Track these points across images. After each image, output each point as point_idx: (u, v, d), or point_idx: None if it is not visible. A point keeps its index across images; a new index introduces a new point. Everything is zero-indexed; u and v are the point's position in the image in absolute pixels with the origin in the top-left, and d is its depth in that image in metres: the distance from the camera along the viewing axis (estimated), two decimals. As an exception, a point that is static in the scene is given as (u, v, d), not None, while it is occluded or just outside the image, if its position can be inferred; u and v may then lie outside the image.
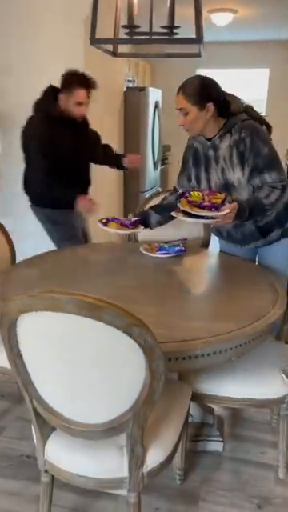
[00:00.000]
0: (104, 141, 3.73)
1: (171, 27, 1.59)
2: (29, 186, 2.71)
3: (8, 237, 2.28)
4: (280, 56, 6.50)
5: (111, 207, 4.26)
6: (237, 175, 1.96)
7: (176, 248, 2.14)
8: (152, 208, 2.29)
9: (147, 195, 4.72)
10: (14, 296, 1.13)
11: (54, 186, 2.54)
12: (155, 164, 4.96)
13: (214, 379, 1.71)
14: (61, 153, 2.52)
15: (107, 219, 2.15)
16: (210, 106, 1.86)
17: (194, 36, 1.56)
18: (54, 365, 1.21)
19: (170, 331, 1.43)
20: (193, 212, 1.83)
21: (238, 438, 2.07)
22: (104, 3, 2.94)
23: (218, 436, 2.00)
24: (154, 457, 1.35)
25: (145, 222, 2.22)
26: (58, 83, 3.04)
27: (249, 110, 1.97)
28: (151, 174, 4.83)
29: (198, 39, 1.53)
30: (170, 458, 1.42)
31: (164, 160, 5.97)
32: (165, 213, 2.17)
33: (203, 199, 1.85)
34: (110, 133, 4.01)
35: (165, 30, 1.60)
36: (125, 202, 4.67)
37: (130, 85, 4.90)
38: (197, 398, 1.72)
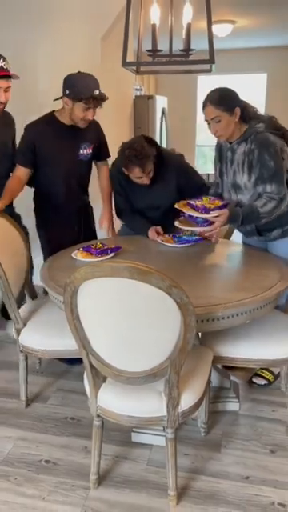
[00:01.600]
0: (115, 145, 4.09)
1: (188, 50, 1.92)
2: None
3: (21, 230, 2.50)
4: (277, 61, 6.85)
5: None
6: (244, 179, 2.25)
7: (194, 237, 2.46)
8: None
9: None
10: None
11: None
12: (163, 166, 5.29)
13: (232, 344, 2.03)
14: None
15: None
16: (238, 110, 2.13)
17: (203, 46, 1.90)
18: (106, 323, 1.53)
19: (196, 300, 1.73)
20: (186, 212, 2.16)
21: (252, 400, 2.37)
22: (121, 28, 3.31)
23: (235, 397, 2.31)
24: (186, 400, 1.67)
25: None
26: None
27: (270, 122, 2.20)
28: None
29: (211, 60, 1.85)
30: (198, 404, 1.74)
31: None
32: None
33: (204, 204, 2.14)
34: (121, 137, 4.34)
35: (182, 52, 1.92)
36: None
37: (138, 93, 5.25)
38: (217, 360, 2.04)
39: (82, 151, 2.62)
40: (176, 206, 2.27)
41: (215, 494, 1.80)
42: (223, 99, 2.11)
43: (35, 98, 3.72)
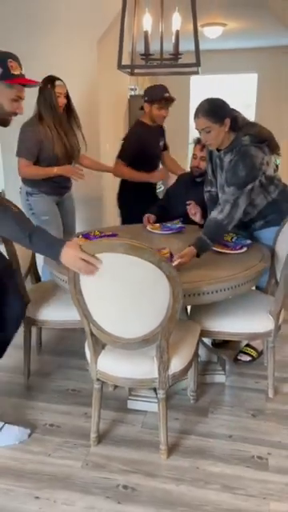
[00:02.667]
0: (112, 143, 4.32)
1: (177, 54, 2.13)
2: None
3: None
4: (267, 61, 7.08)
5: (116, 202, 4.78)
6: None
7: (177, 226, 2.68)
8: None
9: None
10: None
11: None
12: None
13: (217, 318, 2.25)
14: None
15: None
16: (227, 121, 2.23)
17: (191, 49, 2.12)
18: (105, 295, 1.75)
19: (184, 277, 1.97)
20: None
21: (237, 373, 2.60)
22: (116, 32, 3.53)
23: (221, 370, 2.53)
24: (175, 364, 1.89)
25: None
26: (75, 98, 3.64)
27: (257, 133, 2.27)
28: (154, 172, 5.37)
29: (198, 63, 2.07)
30: (186, 369, 1.96)
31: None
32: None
33: None
34: (117, 135, 4.56)
35: (172, 56, 2.14)
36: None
37: (132, 93, 5.45)
38: (205, 334, 2.26)
39: (160, 143, 3.44)
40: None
41: (202, 450, 2.02)
42: (214, 111, 2.21)
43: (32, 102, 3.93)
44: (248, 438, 2.09)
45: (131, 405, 2.30)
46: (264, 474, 1.88)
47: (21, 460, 1.98)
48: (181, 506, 1.73)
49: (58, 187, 3.08)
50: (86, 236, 2.54)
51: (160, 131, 3.42)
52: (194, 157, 2.91)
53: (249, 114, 7.27)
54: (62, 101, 2.93)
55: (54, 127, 2.89)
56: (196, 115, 2.26)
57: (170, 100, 3.15)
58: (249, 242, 2.39)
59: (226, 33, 5.68)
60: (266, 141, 2.29)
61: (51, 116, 2.88)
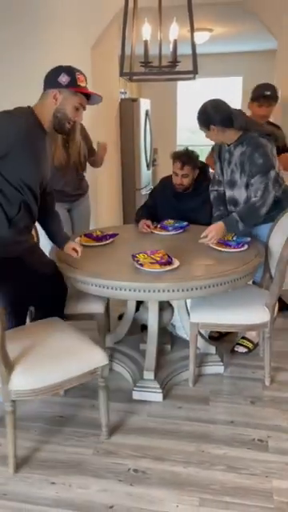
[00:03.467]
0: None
1: (174, 62, 2.25)
2: None
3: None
4: (252, 65, 7.25)
5: (111, 202, 4.90)
6: (238, 177, 2.58)
7: (184, 223, 2.80)
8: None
9: (143, 192, 5.40)
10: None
11: None
12: (148, 165, 5.64)
13: (217, 311, 2.38)
14: None
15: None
16: (213, 127, 2.45)
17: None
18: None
19: (189, 272, 2.09)
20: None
21: (234, 364, 2.73)
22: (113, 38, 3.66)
23: (220, 361, 2.66)
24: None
25: None
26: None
27: (262, 129, 2.52)
28: (145, 173, 5.50)
29: (195, 71, 2.20)
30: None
31: (153, 162, 6.63)
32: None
33: (150, 256, 2.18)
34: (109, 138, 4.67)
35: (170, 64, 2.26)
36: (123, 198, 5.31)
37: (123, 96, 5.57)
38: (205, 326, 2.38)
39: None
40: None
41: (206, 434, 2.14)
42: (200, 119, 2.49)
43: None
44: (248, 423, 2.22)
45: (136, 395, 2.40)
46: (265, 454, 2.01)
47: (34, 450, 2.07)
48: (190, 486, 1.84)
49: (65, 195, 3.00)
50: (89, 236, 2.64)
51: None
52: (175, 174, 2.88)
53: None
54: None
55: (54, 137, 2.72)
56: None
57: (271, 98, 2.96)
58: (249, 239, 2.51)
59: (213, 38, 5.84)
60: (271, 134, 2.54)
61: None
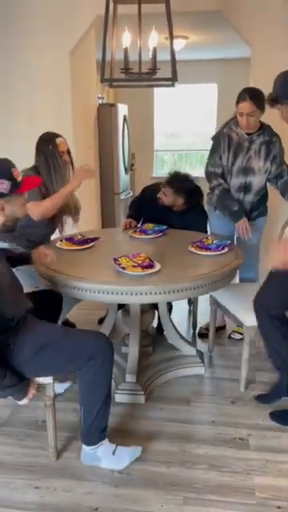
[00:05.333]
0: (83, 150, 4.43)
1: (154, 69, 2.30)
2: None
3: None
4: (226, 72, 7.40)
5: (90, 207, 4.90)
6: (259, 164, 2.75)
7: (163, 227, 2.83)
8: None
9: (122, 197, 5.42)
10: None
11: None
12: (126, 169, 5.67)
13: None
14: None
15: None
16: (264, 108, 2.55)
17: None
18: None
19: (170, 275, 2.13)
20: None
21: (215, 366, 2.78)
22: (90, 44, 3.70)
23: (201, 363, 2.70)
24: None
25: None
26: (48, 107, 3.78)
27: None
28: (123, 177, 5.53)
29: (174, 78, 2.25)
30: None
31: (131, 166, 6.67)
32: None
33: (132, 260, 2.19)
34: (87, 142, 4.69)
35: (150, 71, 2.30)
36: (101, 202, 5.32)
37: (100, 101, 5.60)
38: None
39: None
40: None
41: (188, 435, 2.18)
42: (259, 98, 2.49)
43: (5, 113, 4.00)
44: (229, 422, 2.26)
45: (118, 398, 2.42)
46: (246, 452, 2.06)
47: (16, 455, 2.06)
48: (173, 486, 1.87)
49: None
50: (70, 240, 2.65)
51: None
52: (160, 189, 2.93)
53: (210, 120, 7.60)
54: (65, 159, 2.69)
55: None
56: (243, 99, 2.56)
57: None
58: (229, 242, 2.56)
59: (189, 45, 5.93)
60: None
61: (51, 179, 2.62)
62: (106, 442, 1.95)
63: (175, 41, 5.58)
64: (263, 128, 2.73)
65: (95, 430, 1.91)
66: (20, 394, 1.81)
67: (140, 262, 2.17)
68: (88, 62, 4.55)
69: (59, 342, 1.86)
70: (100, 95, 5.71)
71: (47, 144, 2.63)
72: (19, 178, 1.72)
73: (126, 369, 2.48)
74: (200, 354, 2.78)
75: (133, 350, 2.52)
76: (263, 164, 2.75)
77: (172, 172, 2.96)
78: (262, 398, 2.40)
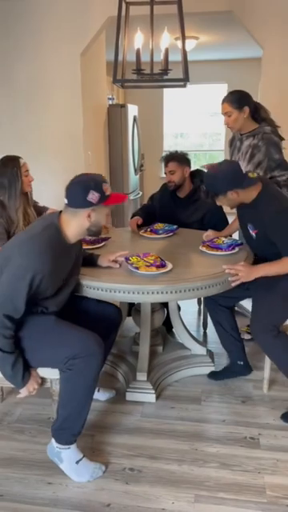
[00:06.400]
0: (93, 150, 4.45)
1: (166, 69, 2.31)
2: None
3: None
4: (236, 72, 7.39)
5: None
6: (243, 166, 2.71)
7: (174, 227, 2.84)
8: None
9: (131, 197, 5.45)
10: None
11: None
12: (135, 170, 5.69)
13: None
14: None
15: None
16: (246, 109, 2.63)
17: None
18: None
19: (182, 275, 2.14)
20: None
21: (225, 364, 2.78)
22: (101, 45, 3.72)
23: (211, 362, 2.71)
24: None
25: None
26: (59, 108, 3.80)
27: (275, 129, 2.71)
28: (133, 178, 5.55)
29: (186, 79, 2.26)
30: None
31: (141, 167, 6.69)
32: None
33: (143, 259, 2.21)
34: (97, 144, 4.72)
35: (162, 71, 2.32)
36: (111, 203, 5.34)
37: (111, 102, 5.62)
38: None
39: None
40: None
41: (199, 433, 2.19)
42: (237, 99, 2.65)
43: (17, 114, 4.04)
44: (239, 422, 2.27)
45: (129, 397, 2.44)
46: (257, 451, 2.06)
47: (29, 451, 2.09)
48: (184, 483, 1.88)
49: None
50: (82, 239, 2.66)
51: None
52: (165, 174, 3.01)
53: (217, 121, 7.59)
54: (29, 178, 2.60)
55: (21, 210, 2.56)
56: (222, 101, 2.72)
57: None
58: (240, 242, 2.57)
59: (199, 45, 5.94)
60: (281, 138, 2.72)
61: (15, 199, 2.52)
62: (73, 447, 1.91)
63: (186, 41, 5.60)
64: (256, 130, 2.68)
65: (66, 430, 1.88)
66: (20, 383, 1.85)
67: (152, 261, 2.18)
68: (98, 63, 4.58)
69: (44, 333, 1.87)
70: (110, 96, 5.74)
71: (7, 164, 2.54)
72: (107, 192, 1.86)
73: (137, 367, 2.50)
74: (210, 353, 2.79)
75: (143, 349, 2.54)
76: (245, 167, 2.69)
77: (164, 154, 3.04)
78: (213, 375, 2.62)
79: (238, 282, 2.17)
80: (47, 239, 1.80)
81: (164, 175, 3.09)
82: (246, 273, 2.16)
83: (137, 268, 2.13)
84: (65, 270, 1.94)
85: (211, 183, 2.24)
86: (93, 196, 1.80)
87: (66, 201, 1.87)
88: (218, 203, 2.30)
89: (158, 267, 2.13)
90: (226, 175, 2.19)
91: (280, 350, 2.19)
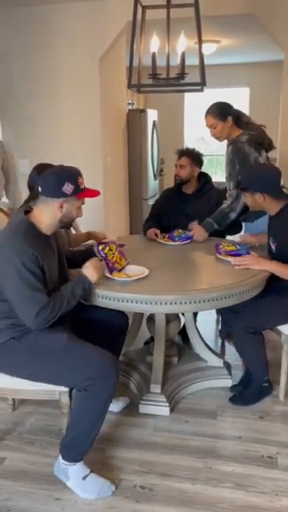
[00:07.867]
0: (112, 156, 4.41)
1: (182, 74, 2.25)
2: None
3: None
4: (258, 76, 7.30)
5: (118, 212, 4.90)
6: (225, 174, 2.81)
7: (189, 234, 2.78)
8: None
9: (150, 202, 5.39)
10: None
11: None
12: (155, 175, 5.64)
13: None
14: None
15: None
16: (229, 118, 2.68)
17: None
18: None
19: (197, 285, 2.07)
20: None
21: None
22: (120, 49, 3.68)
23: (228, 375, 2.62)
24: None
25: None
26: (78, 113, 3.78)
27: (256, 136, 2.70)
28: (152, 183, 5.50)
29: (203, 83, 2.19)
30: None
31: (160, 172, 6.64)
32: None
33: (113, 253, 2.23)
34: (116, 148, 4.69)
35: (178, 76, 2.26)
36: (130, 208, 5.31)
37: (130, 107, 5.60)
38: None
39: None
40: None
41: (213, 450, 2.10)
42: (218, 108, 2.72)
43: (36, 118, 4.05)
44: (256, 439, 2.17)
45: (142, 409, 2.37)
46: (274, 471, 1.97)
47: (38, 464, 2.04)
48: (197, 504, 1.80)
49: None
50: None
51: None
52: (176, 166, 3.02)
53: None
54: None
55: None
56: (205, 114, 2.77)
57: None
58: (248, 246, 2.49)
59: (220, 49, 5.86)
60: (263, 144, 2.69)
61: None
62: (80, 464, 1.86)
63: (206, 45, 5.53)
64: (235, 138, 2.70)
65: (74, 447, 1.84)
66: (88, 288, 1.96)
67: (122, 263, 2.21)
68: (118, 68, 4.55)
69: (56, 352, 1.82)
70: (130, 101, 5.72)
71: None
72: (82, 186, 1.90)
73: (151, 378, 2.43)
74: (227, 365, 2.70)
75: (158, 360, 2.47)
76: (225, 175, 2.79)
77: (181, 148, 3.03)
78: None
79: (243, 267, 2.23)
80: (24, 231, 1.81)
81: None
82: (254, 260, 2.26)
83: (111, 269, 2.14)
84: (53, 260, 1.96)
85: (248, 176, 2.32)
86: (67, 187, 1.84)
87: (39, 189, 1.88)
88: (243, 198, 2.40)
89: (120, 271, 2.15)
90: (264, 176, 2.27)
91: (249, 347, 2.31)
